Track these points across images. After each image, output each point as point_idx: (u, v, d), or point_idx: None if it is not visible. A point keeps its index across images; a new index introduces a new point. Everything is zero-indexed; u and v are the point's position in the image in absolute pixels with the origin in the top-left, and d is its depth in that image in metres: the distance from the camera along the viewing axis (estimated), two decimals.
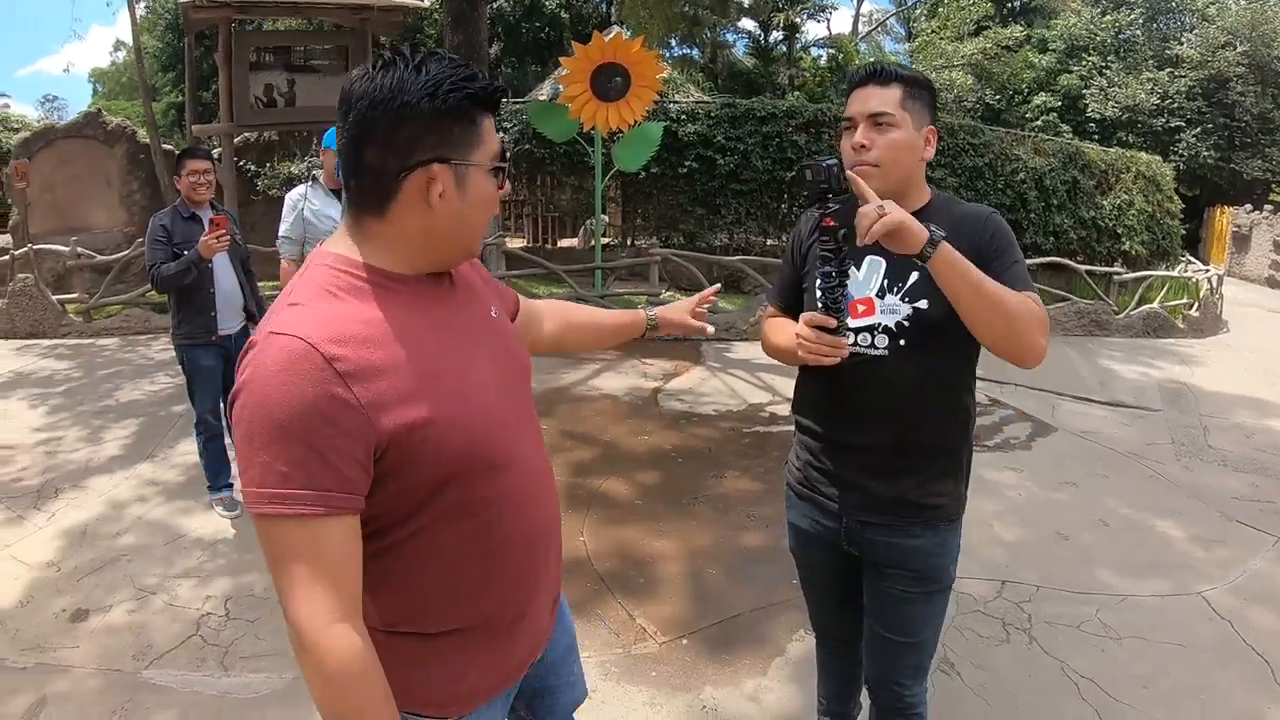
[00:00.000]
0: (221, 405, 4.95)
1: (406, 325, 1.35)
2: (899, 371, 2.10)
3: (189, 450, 5.69)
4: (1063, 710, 3.25)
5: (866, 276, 2.15)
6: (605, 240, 12.43)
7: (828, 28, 44.33)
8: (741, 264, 11.43)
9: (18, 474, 5.70)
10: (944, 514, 2.23)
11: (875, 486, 2.22)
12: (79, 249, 11.64)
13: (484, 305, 1.57)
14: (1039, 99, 28.78)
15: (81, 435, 6.49)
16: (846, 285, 1.95)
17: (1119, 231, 16.71)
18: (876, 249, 2.00)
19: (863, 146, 2.08)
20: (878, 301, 2.10)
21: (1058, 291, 13.29)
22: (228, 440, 4.99)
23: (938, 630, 2.39)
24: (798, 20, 31.22)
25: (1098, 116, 27.33)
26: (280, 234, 4.90)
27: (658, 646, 3.72)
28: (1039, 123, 27.68)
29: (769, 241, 13.99)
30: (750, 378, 8.12)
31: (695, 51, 29.83)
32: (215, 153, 13.67)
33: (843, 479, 2.28)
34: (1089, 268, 14.11)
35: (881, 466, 2.21)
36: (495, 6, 21.64)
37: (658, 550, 4.59)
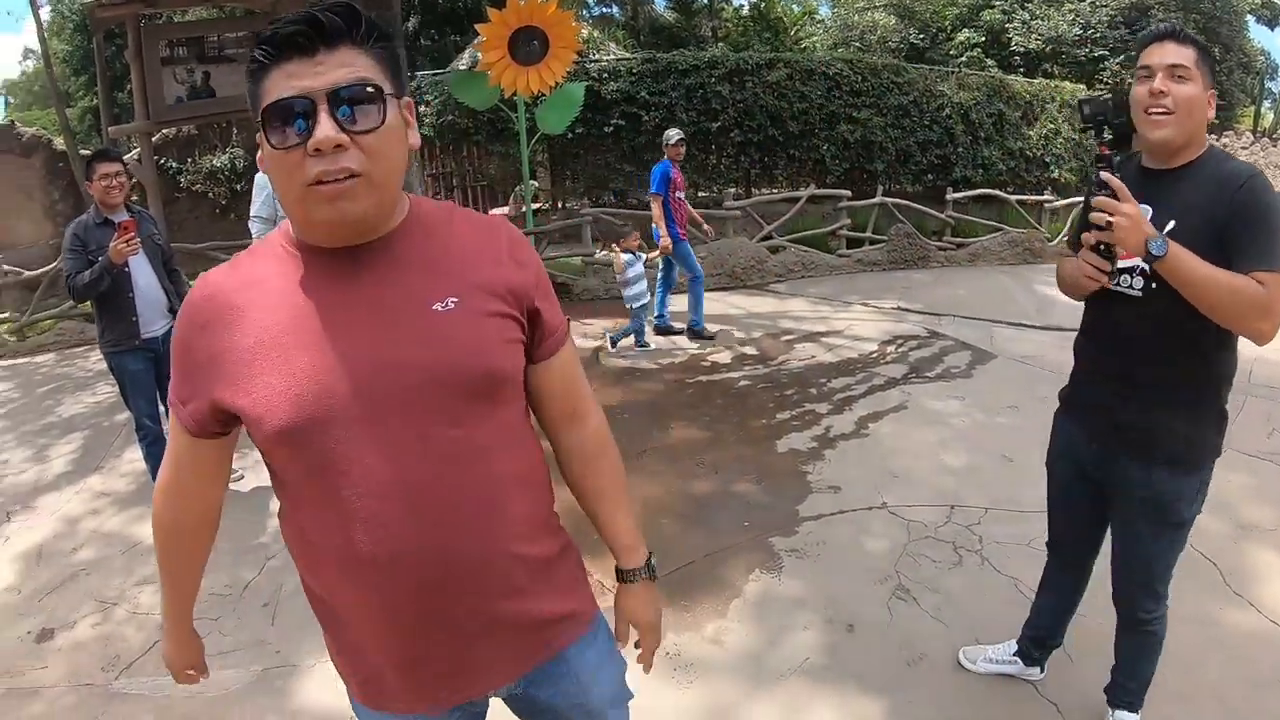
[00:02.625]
0: (158, 407, 4.88)
1: (274, 291, 1.33)
2: (1151, 312, 2.28)
3: (135, 457, 5.58)
4: (1017, 625, 3.30)
5: None
6: (536, 205, 12.37)
7: None
8: None
9: None
10: (1184, 455, 2.38)
11: (1122, 415, 2.43)
12: (4, 266, 11.33)
13: (422, 291, 1.36)
14: (962, 35, 28.65)
15: (27, 455, 6.33)
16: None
17: (1047, 160, 16.90)
18: (1140, 198, 2.18)
19: (1161, 93, 2.19)
20: None
21: (990, 222, 13.47)
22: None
23: (1170, 560, 2.54)
24: None
25: (1022, 50, 27.20)
26: (251, 214, 5.26)
27: None
28: (964, 59, 27.59)
29: (700, 193, 14.03)
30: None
31: (615, 10, 29.46)
32: (135, 152, 13.47)
33: (1097, 405, 2.52)
34: (1020, 197, 14.32)
35: (1130, 398, 2.41)
36: None
37: None
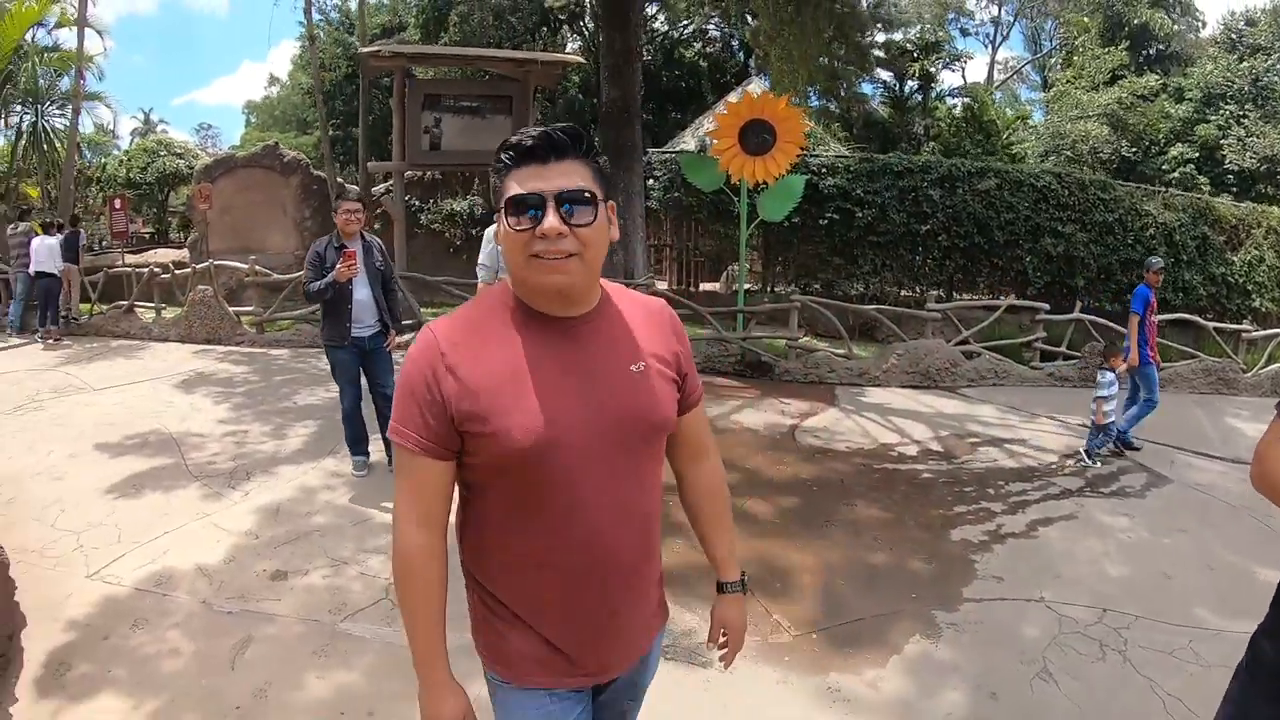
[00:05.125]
0: (359, 387, 6.16)
1: (508, 343, 1.73)
2: None
3: (374, 450, 6.53)
4: (1144, 717, 3.71)
5: None
6: (747, 285, 13.01)
7: (963, 77, 44.19)
8: (876, 313, 11.92)
9: (210, 458, 6.68)
10: None
11: None
12: (256, 266, 12.84)
13: (621, 356, 1.79)
14: (1175, 150, 28.11)
15: (265, 430, 7.41)
16: None
17: (1249, 288, 16.61)
18: None
19: None
20: None
21: (1185, 348, 13.33)
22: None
23: None
24: (933, 70, 31.42)
25: (1236, 168, 26.48)
26: (479, 261, 6.18)
27: (790, 638, 4.31)
28: (1175, 174, 27.12)
29: (903, 292, 14.53)
30: (881, 420, 8.61)
31: (832, 103, 30.20)
32: (387, 185, 14.96)
33: None
34: (1217, 324, 14.09)
35: None
36: None
37: (794, 562, 5.18)
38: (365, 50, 14.43)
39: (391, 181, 14.53)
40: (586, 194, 1.67)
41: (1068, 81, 32.16)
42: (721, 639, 2.21)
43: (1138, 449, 8.09)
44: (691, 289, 15.72)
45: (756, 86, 18.71)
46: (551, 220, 1.63)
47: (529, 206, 1.64)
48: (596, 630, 1.85)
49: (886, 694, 3.91)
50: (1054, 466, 7.66)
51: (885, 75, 31.89)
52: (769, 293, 14.57)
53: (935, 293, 14.34)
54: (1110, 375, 7.72)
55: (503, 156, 1.70)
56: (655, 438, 1.85)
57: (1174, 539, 6.02)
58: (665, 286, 14.73)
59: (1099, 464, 7.63)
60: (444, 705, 1.81)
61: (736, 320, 11.21)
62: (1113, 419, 7.72)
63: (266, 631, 4.20)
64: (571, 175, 1.66)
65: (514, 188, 1.67)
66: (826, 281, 14.52)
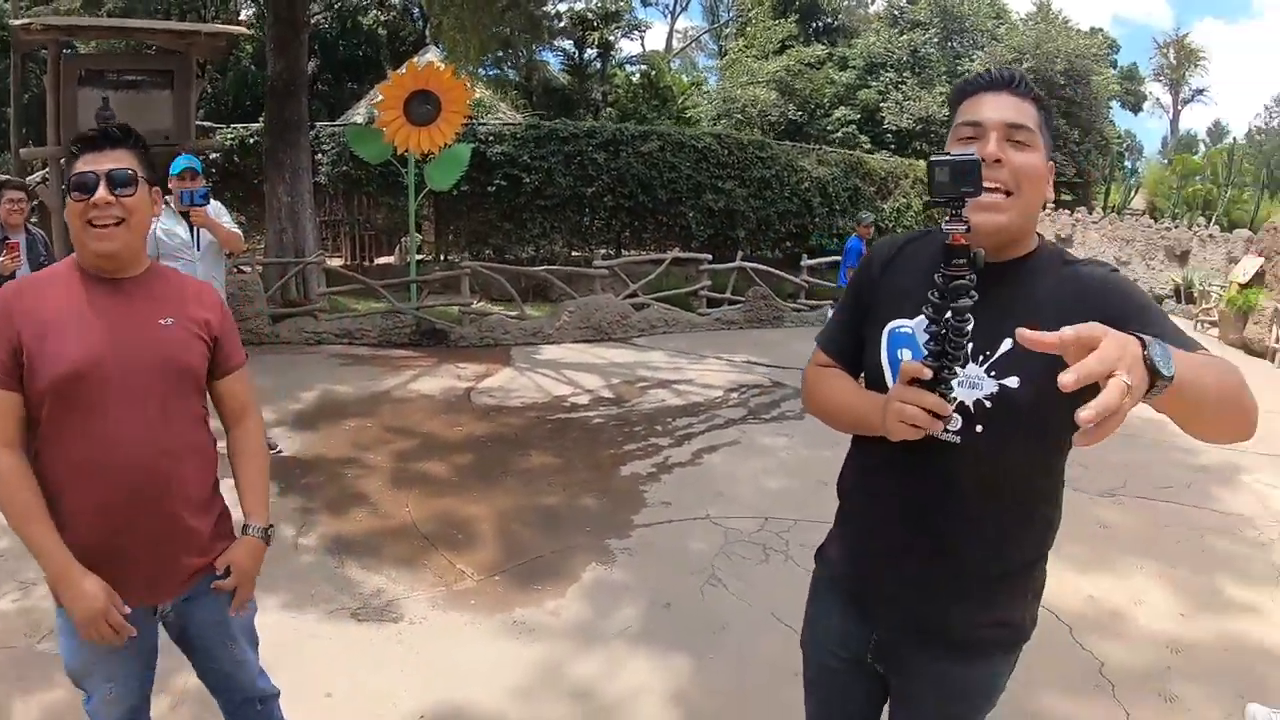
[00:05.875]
0: None
1: (64, 295, 2.08)
2: (969, 465, 1.68)
3: None
4: None
5: None
6: (420, 256, 12.92)
7: (642, 45, 45.50)
8: (547, 274, 12.12)
9: None
10: (1000, 644, 1.85)
11: (919, 602, 1.82)
12: None
13: (152, 313, 2.14)
14: (839, 112, 30.47)
15: None
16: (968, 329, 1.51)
17: (898, 230, 18.06)
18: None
19: (996, 161, 1.62)
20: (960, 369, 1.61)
21: (842, 286, 14.47)
22: None
23: None
24: (612, 39, 32.07)
25: (894, 128, 29.16)
26: None
27: (474, 583, 4.34)
28: (839, 134, 29.50)
29: (573, 253, 14.86)
30: (555, 374, 8.80)
31: (511, 71, 30.24)
32: (43, 173, 13.56)
33: (881, 585, 1.87)
34: None
35: (931, 579, 1.79)
36: (313, 23, 21.67)
37: (472, 514, 5.20)
38: (16, 22, 12.99)
39: (49, 169, 13.23)
40: (129, 172, 2.09)
41: (740, 50, 34.19)
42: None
43: None
44: (366, 263, 15.31)
45: (433, 55, 18.39)
46: (102, 192, 2.04)
47: (85, 183, 2.05)
48: (114, 551, 2.08)
49: (567, 619, 4.04)
50: (718, 400, 8.16)
51: (566, 44, 32.21)
52: (442, 262, 14.47)
53: (604, 251, 14.73)
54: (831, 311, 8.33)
55: (72, 147, 2.13)
56: (181, 381, 2.17)
57: (831, 451, 6.37)
58: (340, 263, 14.25)
59: None
60: (84, 582, 2.02)
61: (410, 291, 11.05)
62: None
63: None
64: (120, 160, 2.10)
65: (77, 169, 2.08)
66: (497, 247, 14.63)
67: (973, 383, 1.64)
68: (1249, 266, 17.29)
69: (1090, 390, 1.15)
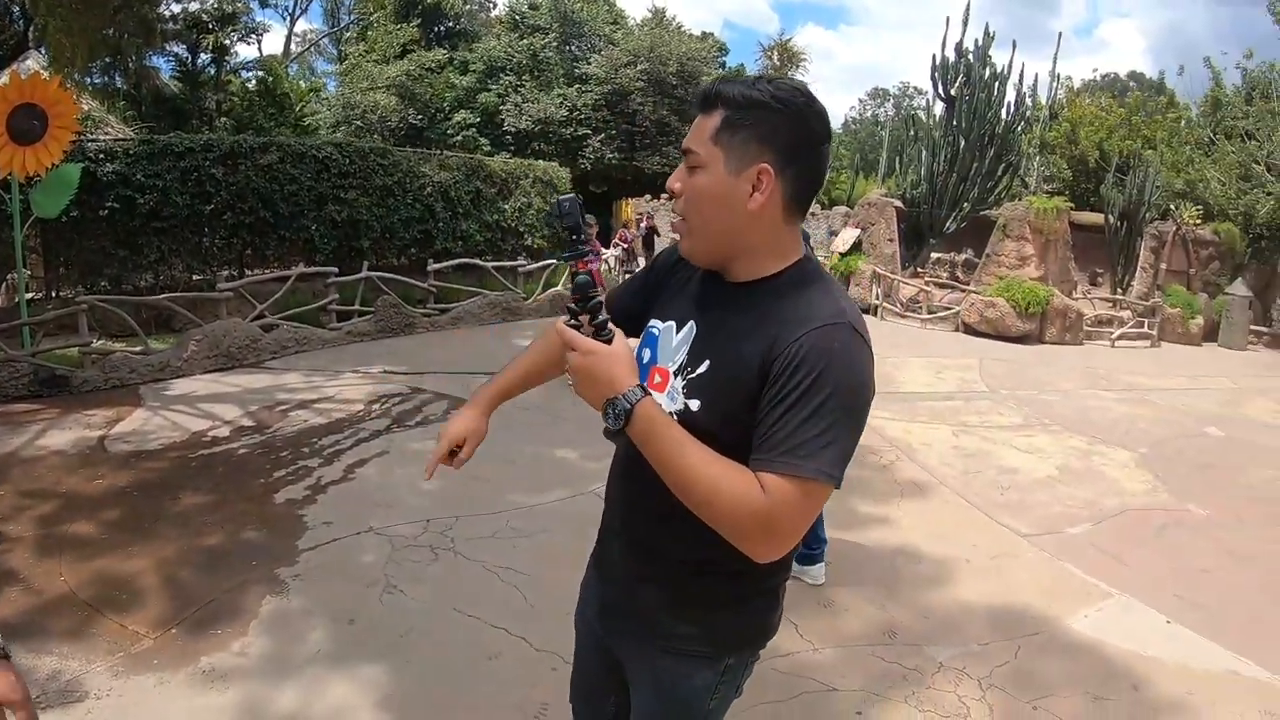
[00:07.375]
0: None
1: None
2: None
3: None
4: (491, 592, 4.65)
5: (678, 344, 1.76)
6: (30, 295, 11.68)
7: (259, 49, 43.18)
8: (169, 302, 11.39)
9: None
10: (693, 646, 1.84)
11: (623, 588, 1.91)
12: None
13: None
14: (459, 115, 31.11)
15: None
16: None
17: (521, 230, 19.06)
18: (695, 309, 1.75)
19: (674, 193, 1.68)
20: (672, 379, 1.71)
21: (470, 288, 15.00)
22: None
23: None
24: (228, 42, 30.49)
25: (513, 129, 30.36)
26: None
27: (153, 641, 4.30)
28: (459, 138, 30.26)
29: (195, 276, 14.10)
30: (190, 409, 8.56)
31: (119, 79, 27.71)
32: None
33: (606, 567, 1.99)
34: (496, 263, 16.08)
35: (631, 567, 1.87)
36: None
37: (133, 569, 5.08)
38: None
39: None
40: None
41: (361, 55, 33.88)
42: None
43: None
44: None
45: (34, 62, 16.28)
46: None
47: None
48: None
49: (256, 656, 4.15)
50: (361, 414, 8.40)
51: (179, 49, 30.03)
52: (55, 298, 13.17)
53: (227, 272, 14.12)
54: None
55: None
56: None
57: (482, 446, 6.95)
58: None
59: None
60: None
61: (23, 335, 10.05)
62: None
63: None
64: None
65: None
66: (114, 277, 13.44)
67: (672, 396, 1.71)
68: (848, 237, 20.19)
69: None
